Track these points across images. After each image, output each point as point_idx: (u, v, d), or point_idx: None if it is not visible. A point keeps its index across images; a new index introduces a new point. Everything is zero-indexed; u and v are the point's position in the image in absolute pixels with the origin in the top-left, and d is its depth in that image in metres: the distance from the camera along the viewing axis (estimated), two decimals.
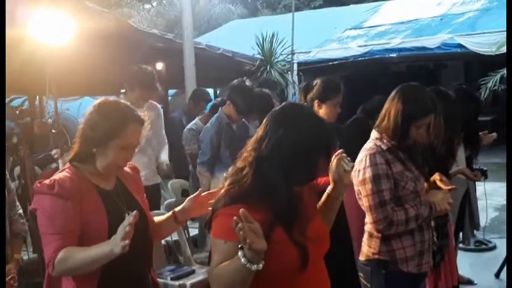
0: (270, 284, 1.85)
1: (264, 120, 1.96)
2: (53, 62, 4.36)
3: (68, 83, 6.41)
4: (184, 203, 2.44)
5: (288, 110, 1.99)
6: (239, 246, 1.69)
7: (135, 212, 2.00)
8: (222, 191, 1.92)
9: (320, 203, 2.14)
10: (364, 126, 3.90)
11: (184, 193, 5.69)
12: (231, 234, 1.71)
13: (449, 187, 2.87)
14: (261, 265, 1.70)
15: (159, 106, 5.00)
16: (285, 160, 1.85)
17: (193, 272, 4.22)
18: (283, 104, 2.12)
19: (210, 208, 2.06)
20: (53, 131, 4.43)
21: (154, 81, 4.81)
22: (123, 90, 7.83)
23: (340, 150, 2.06)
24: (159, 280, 3.81)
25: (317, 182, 2.09)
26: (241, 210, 1.65)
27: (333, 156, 2.03)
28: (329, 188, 2.12)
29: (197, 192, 2.41)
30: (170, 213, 2.49)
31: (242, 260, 1.68)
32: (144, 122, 2.34)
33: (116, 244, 1.95)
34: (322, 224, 2.07)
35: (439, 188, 2.90)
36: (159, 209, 4.73)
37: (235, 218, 1.64)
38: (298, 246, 1.85)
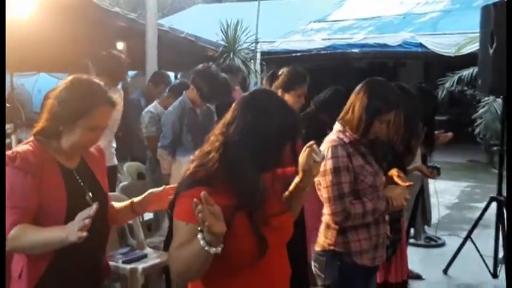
0: (228, 268, 1.84)
1: (233, 105, 1.95)
2: (10, 35, 4.21)
3: (25, 58, 6.23)
4: (145, 195, 2.40)
5: (258, 96, 1.99)
6: (198, 229, 1.68)
7: (95, 204, 1.96)
8: (187, 173, 1.91)
9: (287, 192, 2.13)
10: (314, 119, 3.92)
11: (140, 176, 5.63)
12: (193, 217, 1.70)
13: (407, 184, 2.91)
14: (219, 248, 1.69)
15: (120, 89, 4.92)
16: (252, 145, 1.84)
17: (145, 256, 4.17)
18: (253, 89, 2.11)
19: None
20: (8, 105, 4.30)
21: (124, 70, 4.74)
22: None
23: (312, 142, 2.04)
24: (111, 263, 3.76)
25: (284, 171, 2.08)
26: (202, 192, 1.64)
27: (305, 147, 2.02)
28: (297, 178, 2.10)
29: (161, 188, 2.37)
30: (128, 202, 2.46)
31: (201, 242, 1.67)
32: (116, 105, 2.30)
33: (71, 232, 1.91)
34: (286, 213, 2.06)
35: (396, 184, 2.93)
36: (114, 191, 4.66)
37: (195, 200, 1.63)
38: (257, 233, 1.85)
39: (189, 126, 4.71)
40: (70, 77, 2.29)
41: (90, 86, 2.26)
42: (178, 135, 4.70)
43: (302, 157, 2.01)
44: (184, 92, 4.90)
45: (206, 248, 1.67)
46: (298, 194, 2.13)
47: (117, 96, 2.36)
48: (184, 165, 4.50)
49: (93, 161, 2.41)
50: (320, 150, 2.04)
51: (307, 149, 2.01)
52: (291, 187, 2.11)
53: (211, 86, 4.65)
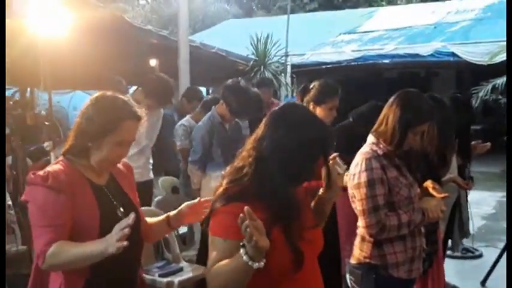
0: (265, 283, 1.85)
1: (264, 120, 1.97)
2: (47, 54, 4.33)
3: (60, 76, 6.35)
4: (180, 208, 2.42)
5: (288, 110, 2.00)
6: (241, 244, 1.69)
7: (133, 214, 1.98)
8: (221, 189, 1.92)
9: (312, 204, 2.14)
10: (350, 132, 3.92)
11: (175, 190, 5.69)
12: (230, 233, 1.72)
13: (442, 195, 2.88)
14: (262, 263, 1.70)
15: (161, 109, 5.04)
16: (285, 159, 1.86)
17: (181, 269, 4.22)
18: (284, 104, 2.13)
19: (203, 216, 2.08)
20: (46, 123, 4.40)
21: (171, 94, 4.86)
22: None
23: (334, 154, 2.05)
24: (147, 277, 3.82)
25: (318, 184, 2.09)
26: (245, 208, 1.65)
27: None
28: (321, 190, 2.11)
29: (196, 201, 2.40)
30: (164, 216, 2.48)
31: (244, 257, 1.68)
32: (141, 119, 2.30)
33: (111, 244, 1.93)
34: (316, 225, 2.07)
35: (431, 195, 2.91)
36: (150, 205, 4.72)
37: (241, 215, 1.64)
38: (294, 247, 1.86)
39: (218, 140, 4.73)
40: (95, 94, 2.31)
41: (115, 101, 2.28)
42: (208, 149, 4.72)
43: (324, 169, 2.02)
44: (213, 107, 4.94)
45: (250, 263, 1.68)
46: (323, 206, 2.13)
47: (143, 110, 2.35)
48: (213, 180, 4.55)
49: (122, 176, 2.43)
50: (343, 163, 2.05)
51: (330, 161, 2.02)
52: (316, 199, 2.13)
53: (240, 100, 4.67)
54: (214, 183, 4.49)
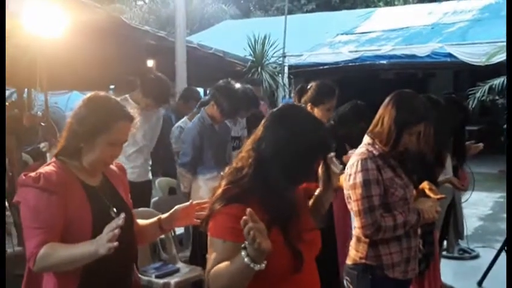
0: (263, 284, 1.84)
1: (263, 121, 1.97)
2: (44, 55, 4.33)
3: (57, 77, 6.38)
4: (172, 211, 2.41)
5: (287, 111, 2.01)
6: (242, 246, 1.68)
7: (123, 214, 1.96)
8: (220, 190, 1.91)
9: (309, 205, 2.14)
10: (333, 134, 3.92)
11: (171, 191, 5.68)
12: (230, 234, 1.73)
13: (438, 196, 2.88)
14: (263, 265, 1.69)
15: (161, 109, 5.04)
16: (285, 161, 1.86)
17: (177, 270, 4.22)
18: (282, 105, 2.14)
19: (196, 219, 2.12)
20: (42, 124, 4.41)
21: (169, 94, 4.90)
22: (112, 86, 7.90)
23: (331, 154, 2.05)
24: (144, 278, 3.82)
25: (312, 185, 2.09)
26: (248, 210, 1.64)
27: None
28: (318, 191, 2.12)
29: (188, 204, 2.38)
30: (155, 219, 2.46)
31: (246, 259, 1.67)
32: (134, 119, 2.30)
33: (101, 245, 1.91)
34: (314, 226, 2.07)
35: (428, 196, 2.91)
36: (149, 205, 4.71)
37: (244, 218, 1.63)
38: (293, 248, 1.86)
39: (209, 142, 4.64)
40: (88, 95, 2.31)
41: (108, 102, 2.28)
42: (198, 152, 4.61)
43: (321, 170, 2.03)
44: (202, 109, 4.86)
45: (251, 265, 1.67)
46: (320, 207, 2.14)
47: (135, 111, 2.34)
48: (203, 183, 4.49)
49: (115, 177, 2.42)
50: (339, 162, 2.06)
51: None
52: (313, 199, 2.13)
53: (231, 102, 4.61)
54: (204, 186, 4.49)
